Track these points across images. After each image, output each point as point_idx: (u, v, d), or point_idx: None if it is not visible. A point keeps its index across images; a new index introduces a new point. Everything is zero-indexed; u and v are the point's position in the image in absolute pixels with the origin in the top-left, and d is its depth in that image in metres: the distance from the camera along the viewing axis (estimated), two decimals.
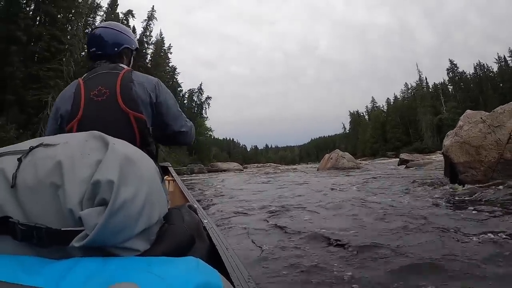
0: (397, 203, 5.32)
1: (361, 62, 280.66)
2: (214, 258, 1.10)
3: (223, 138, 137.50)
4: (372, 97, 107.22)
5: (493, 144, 5.94)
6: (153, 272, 0.47)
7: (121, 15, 40.99)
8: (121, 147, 0.65)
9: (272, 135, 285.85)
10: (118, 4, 41.12)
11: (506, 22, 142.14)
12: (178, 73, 54.20)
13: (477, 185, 5.76)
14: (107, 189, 0.55)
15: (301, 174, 18.11)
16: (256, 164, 52.86)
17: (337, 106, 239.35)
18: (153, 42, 48.80)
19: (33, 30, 24.19)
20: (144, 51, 44.59)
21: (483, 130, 6.14)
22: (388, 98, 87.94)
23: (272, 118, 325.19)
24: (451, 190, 6.07)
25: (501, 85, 63.91)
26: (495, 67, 67.84)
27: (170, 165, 3.47)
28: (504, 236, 3.00)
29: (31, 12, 25.47)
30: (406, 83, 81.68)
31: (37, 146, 0.63)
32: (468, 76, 71.25)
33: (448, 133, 7.03)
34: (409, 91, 79.30)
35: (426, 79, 74.87)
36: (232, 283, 0.91)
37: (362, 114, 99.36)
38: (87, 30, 31.92)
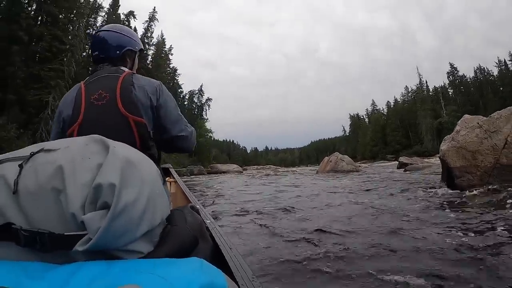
0: (389, 206, 5.39)
1: (362, 65, 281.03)
2: (217, 258, 1.09)
3: (223, 140, 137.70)
4: (373, 100, 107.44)
5: (490, 149, 5.98)
6: (157, 274, 0.47)
7: (122, 16, 41.10)
8: (122, 150, 0.65)
9: (272, 137, 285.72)
10: (119, 5, 41.21)
11: (507, 25, 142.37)
12: (178, 74, 54.28)
13: (473, 190, 5.79)
14: (109, 192, 0.55)
15: (300, 176, 18.15)
16: (256, 166, 52.77)
17: (337, 108, 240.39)
18: (154, 43, 48.88)
19: (35, 30, 24.17)
20: (145, 52, 44.62)
21: (479, 135, 6.18)
22: (388, 101, 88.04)
23: (272, 120, 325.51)
24: (446, 194, 6.09)
25: (501, 89, 63.81)
26: (495, 71, 67.93)
27: (171, 167, 3.46)
28: (496, 240, 3.05)
29: (32, 12, 25.42)
30: (406, 86, 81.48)
31: (37, 152, 0.64)
32: (468, 80, 71.23)
33: (445, 137, 7.08)
34: (410, 94, 79.32)
35: (426, 82, 75.00)
36: (236, 282, 0.91)
37: (362, 117, 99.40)
38: (88, 31, 32.07)
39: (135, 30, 36.99)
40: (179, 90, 52.56)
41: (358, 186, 9.42)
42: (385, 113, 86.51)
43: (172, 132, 1.42)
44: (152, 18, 47.48)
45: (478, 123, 6.38)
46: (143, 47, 1.71)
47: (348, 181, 11.62)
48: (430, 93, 73.82)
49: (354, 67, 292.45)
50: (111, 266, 0.50)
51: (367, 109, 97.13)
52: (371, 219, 4.42)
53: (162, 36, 51.16)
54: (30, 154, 0.63)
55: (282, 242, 3.53)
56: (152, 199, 0.63)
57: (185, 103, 55.29)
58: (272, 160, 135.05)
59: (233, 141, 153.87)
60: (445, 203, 5.28)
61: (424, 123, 64.83)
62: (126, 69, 1.45)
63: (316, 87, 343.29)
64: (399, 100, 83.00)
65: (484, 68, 69.70)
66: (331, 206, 5.76)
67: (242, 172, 34.03)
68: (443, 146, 6.65)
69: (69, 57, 25.24)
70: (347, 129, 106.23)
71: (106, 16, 37.72)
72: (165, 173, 3.10)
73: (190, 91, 57.82)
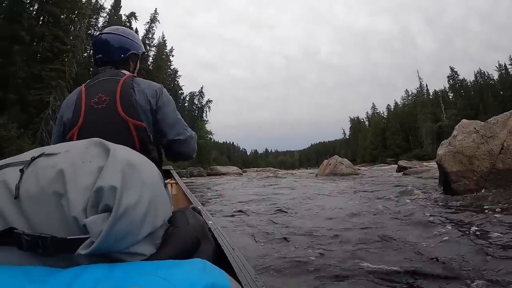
0: (383, 210, 5.43)
1: (362, 67, 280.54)
2: (220, 259, 1.08)
3: (223, 142, 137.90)
4: (373, 103, 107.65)
5: (486, 154, 6.01)
6: (160, 276, 0.47)
7: (124, 17, 41.22)
8: (122, 152, 0.66)
9: (272, 139, 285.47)
10: (121, 6, 41.37)
11: (507, 29, 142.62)
12: (179, 76, 54.46)
13: (469, 194, 5.83)
14: (110, 195, 0.56)
15: (299, 179, 18.15)
16: (255, 168, 52.87)
17: (338, 111, 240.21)
18: (155, 44, 48.95)
19: (36, 30, 24.27)
20: (146, 53, 44.69)
21: (476, 140, 6.21)
22: (388, 104, 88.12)
23: (272, 122, 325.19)
24: (441, 198, 6.12)
25: (501, 93, 63.87)
26: (495, 75, 67.98)
27: (172, 168, 3.43)
28: (487, 244, 3.07)
29: (34, 12, 25.52)
30: (406, 89, 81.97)
31: (38, 156, 0.64)
32: (469, 84, 71.32)
33: (443, 142, 7.10)
34: (410, 98, 79.41)
35: (426, 86, 75.00)
36: (239, 282, 0.90)
37: (362, 120, 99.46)
38: (90, 32, 32.14)
39: (136, 31, 37.12)
40: (179, 92, 52.68)
41: (355, 190, 9.45)
42: (385, 116, 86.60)
43: (169, 135, 1.39)
44: (153, 20, 47.60)
45: (474, 128, 6.41)
46: (144, 50, 1.70)
47: (346, 184, 11.66)
48: (430, 97, 73.87)
49: (354, 69, 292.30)
50: (114, 269, 0.51)
51: (367, 112, 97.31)
52: (365, 222, 4.46)
53: (163, 37, 51.32)
54: (31, 158, 0.63)
55: (282, 242, 3.59)
56: (154, 201, 0.63)
57: (186, 104, 55.35)
58: (272, 162, 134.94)
59: (233, 143, 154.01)
60: (439, 207, 5.32)
61: (424, 127, 64.84)
62: (127, 72, 1.44)
63: (317, 90, 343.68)
64: (399, 103, 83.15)
65: (484, 72, 69.87)
66: (328, 209, 5.82)
67: (242, 174, 34.05)
68: (440, 151, 6.68)
69: (70, 58, 25.30)
70: (347, 132, 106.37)
71: (107, 17, 37.86)
72: (166, 175, 3.10)
73: (191, 92, 57.93)
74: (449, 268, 2.60)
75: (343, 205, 6.23)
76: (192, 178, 26.18)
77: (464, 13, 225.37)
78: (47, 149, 0.68)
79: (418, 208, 5.31)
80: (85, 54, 30.36)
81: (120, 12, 41.33)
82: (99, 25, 35.79)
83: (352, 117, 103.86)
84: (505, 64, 65.56)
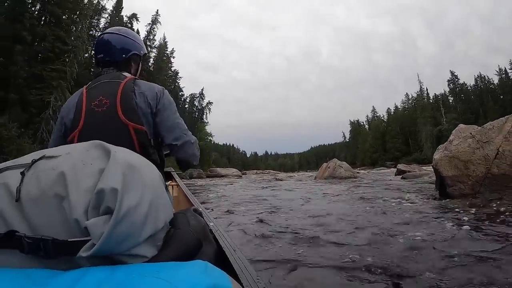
0: (376, 212, 5.54)
1: (363, 70, 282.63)
2: (222, 260, 1.08)
3: (223, 144, 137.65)
4: (373, 106, 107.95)
5: (481, 159, 6.06)
6: (162, 278, 0.48)
7: (125, 18, 41.22)
8: (123, 154, 0.66)
9: (272, 141, 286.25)
10: (122, 7, 41.39)
11: (508, 33, 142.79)
12: (180, 77, 54.48)
13: (464, 199, 5.88)
14: (111, 197, 0.56)
15: (298, 182, 18.22)
16: (255, 171, 53.05)
17: (338, 114, 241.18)
18: (156, 46, 49.00)
19: (38, 30, 24.21)
20: (147, 55, 44.49)
21: (472, 145, 6.26)
22: (388, 108, 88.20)
23: (272, 124, 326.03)
24: (436, 202, 6.18)
25: (501, 97, 63.74)
26: (495, 79, 68.02)
27: (173, 170, 3.42)
28: (479, 248, 3.11)
29: (36, 12, 25.52)
30: (407, 93, 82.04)
31: (39, 159, 0.64)
32: (469, 88, 71.28)
33: (439, 147, 7.15)
34: (410, 102, 79.45)
35: (427, 89, 75.11)
36: (241, 284, 0.90)
37: (362, 124, 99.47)
38: (91, 32, 32.19)
39: (137, 32, 37.15)
40: (180, 93, 52.68)
41: (351, 193, 9.54)
42: (385, 120, 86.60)
43: (166, 139, 1.37)
44: (154, 21, 47.62)
45: (470, 133, 6.46)
46: (147, 51, 1.69)
47: (343, 188, 11.72)
48: (431, 101, 73.93)
49: (355, 71, 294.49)
50: (115, 271, 0.51)
51: (367, 116, 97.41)
52: (358, 224, 4.54)
53: (164, 39, 51.33)
54: (32, 161, 0.63)
55: (281, 242, 3.66)
56: (155, 203, 0.63)
57: (186, 106, 55.34)
58: (272, 165, 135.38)
59: (233, 145, 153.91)
60: (431, 210, 5.37)
61: (424, 131, 64.78)
62: (128, 75, 1.43)
63: (317, 92, 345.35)
64: (399, 107, 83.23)
65: (484, 76, 69.88)
66: (324, 211, 5.89)
67: (241, 176, 34.11)
68: (436, 155, 6.72)
69: (71, 58, 25.29)
70: (347, 135, 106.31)
71: (109, 18, 37.88)
72: (167, 176, 3.09)
73: (191, 94, 57.90)
74: (435, 270, 2.63)
75: (338, 208, 6.33)
76: (192, 180, 26.18)
77: (465, 16, 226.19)
78: (47, 151, 0.68)
79: (410, 211, 5.38)
80: (86, 55, 30.35)
81: (122, 13, 41.37)
82: (100, 26, 35.81)
83: (352, 120, 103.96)
84: (505, 68, 65.66)
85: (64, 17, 26.42)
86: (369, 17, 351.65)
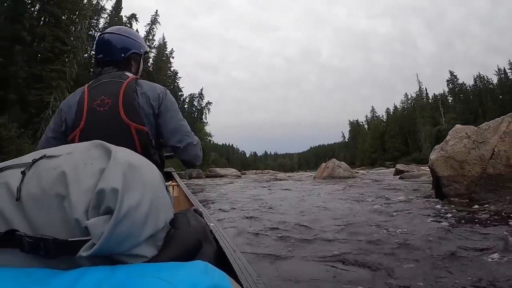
0: (370, 210, 5.67)
1: (362, 70, 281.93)
2: (222, 261, 1.08)
3: (223, 144, 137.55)
4: (372, 106, 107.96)
5: (477, 160, 6.11)
6: (162, 278, 0.48)
7: (124, 19, 41.19)
8: (124, 154, 0.66)
9: (272, 141, 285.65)
10: (122, 7, 41.35)
11: (507, 33, 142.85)
12: (179, 77, 54.46)
13: (459, 198, 5.95)
14: (111, 197, 0.56)
15: (297, 182, 18.28)
16: (254, 171, 52.98)
17: (337, 114, 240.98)
18: (156, 46, 48.96)
19: (37, 30, 24.20)
20: (148, 53, 44.42)
21: (467, 146, 6.31)
22: (388, 108, 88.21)
23: (272, 124, 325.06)
24: (431, 202, 6.26)
25: (500, 97, 63.66)
26: (495, 79, 67.96)
27: (174, 170, 3.40)
28: (471, 247, 3.14)
29: (35, 13, 25.50)
30: (406, 93, 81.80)
31: (40, 158, 0.64)
32: (468, 88, 71.19)
33: (435, 147, 7.22)
34: (409, 102, 79.40)
35: (426, 89, 75.12)
36: (241, 285, 0.89)
37: (361, 124, 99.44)
38: (90, 33, 32.16)
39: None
40: (179, 94, 52.65)
41: (349, 192, 9.69)
42: (384, 120, 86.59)
43: (170, 141, 1.38)
44: (154, 21, 47.61)
45: (466, 134, 6.51)
46: (148, 50, 1.68)
47: (341, 187, 11.86)
48: (430, 101, 73.89)
49: (354, 71, 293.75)
50: (115, 271, 0.51)
51: (366, 116, 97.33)
52: (351, 222, 4.65)
53: (164, 39, 51.30)
54: (33, 161, 0.63)
55: (279, 241, 3.74)
56: (155, 203, 0.63)
57: (185, 106, 55.33)
58: (271, 165, 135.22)
59: (232, 145, 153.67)
60: (427, 210, 5.44)
61: (423, 131, 64.69)
62: (130, 75, 1.42)
63: (317, 91, 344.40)
64: (398, 107, 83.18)
65: (483, 76, 69.80)
66: (320, 209, 6.08)
67: (241, 176, 34.03)
68: (432, 156, 6.79)
69: (71, 58, 25.28)
70: (347, 135, 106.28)
71: (108, 18, 37.83)
72: (168, 177, 3.10)
73: (190, 94, 57.86)
74: (423, 267, 2.70)
75: (333, 207, 6.47)
76: (191, 180, 26.19)
77: (464, 16, 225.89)
78: (48, 151, 0.68)
79: (405, 211, 5.47)
80: (86, 55, 30.39)
81: (121, 14, 41.35)
82: (100, 26, 35.78)
83: (351, 120, 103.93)
84: (504, 68, 65.60)
85: (63, 17, 26.41)
86: (368, 17, 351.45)
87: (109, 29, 1.57)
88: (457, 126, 7.29)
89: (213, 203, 8.10)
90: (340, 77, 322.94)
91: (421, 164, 36.30)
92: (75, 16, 27.82)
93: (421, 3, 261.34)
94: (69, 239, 0.53)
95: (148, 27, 47.52)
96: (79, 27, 27.82)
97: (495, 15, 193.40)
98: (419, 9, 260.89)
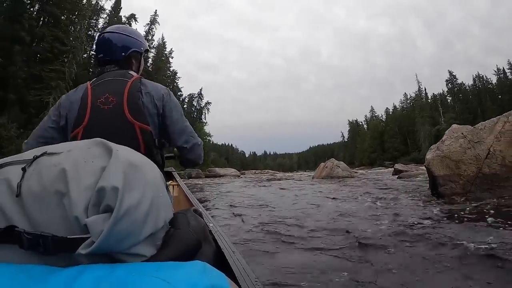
0: (365, 209, 5.75)
1: (362, 70, 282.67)
2: (220, 262, 1.07)
3: (222, 144, 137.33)
4: (371, 106, 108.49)
5: (473, 159, 6.17)
6: (160, 277, 0.48)
7: (124, 19, 41.10)
8: (125, 153, 0.65)
9: (271, 141, 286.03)
10: (121, 7, 41.28)
11: (506, 33, 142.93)
12: (178, 77, 54.36)
13: (455, 198, 6.00)
14: (112, 195, 0.55)
15: (296, 181, 18.30)
16: (254, 171, 53.02)
17: (337, 114, 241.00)
18: (155, 46, 48.93)
19: (37, 30, 24.26)
20: (148, 51, 44.33)
21: (463, 145, 6.36)
22: (387, 108, 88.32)
23: (271, 124, 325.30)
24: (427, 201, 6.30)
25: (499, 97, 63.72)
26: (494, 79, 68.00)
27: (174, 170, 3.39)
28: (465, 247, 3.16)
29: (35, 13, 25.52)
30: (405, 93, 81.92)
31: (41, 155, 0.64)
32: (467, 88, 71.20)
33: (431, 147, 7.27)
34: (408, 101, 79.47)
35: (425, 89, 75.24)
36: (239, 285, 0.89)
37: (361, 123, 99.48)
38: (90, 33, 32.14)
39: None
40: (178, 93, 52.57)
41: (346, 192, 9.70)
42: (383, 120, 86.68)
43: (176, 142, 1.40)
44: (153, 21, 47.54)
45: (462, 133, 6.56)
46: (148, 48, 1.67)
47: (339, 187, 11.93)
48: (429, 101, 73.92)
49: (354, 71, 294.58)
50: (114, 269, 0.51)
51: (366, 116, 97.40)
52: (349, 223, 4.66)
53: (163, 39, 51.23)
54: (33, 157, 0.63)
55: (281, 244, 3.72)
56: (155, 202, 0.63)
57: (185, 106, 55.27)
58: (270, 165, 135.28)
59: (231, 145, 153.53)
60: (422, 209, 5.48)
61: (422, 130, 64.74)
62: (134, 74, 1.43)
63: (316, 91, 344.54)
64: (398, 107, 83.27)
65: (482, 76, 69.89)
66: (321, 208, 6.11)
67: (240, 176, 34.10)
68: (429, 155, 6.83)
69: (70, 59, 25.33)
70: (346, 135, 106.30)
71: (107, 18, 37.78)
72: (168, 176, 3.10)
73: (190, 94, 57.68)
74: (420, 264, 2.74)
75: (331, 205, 6.58)
76: (190, 179, 26.20)
77: (463, 16, 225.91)
78: (49, 148, 0.67)
79: (400, 209, 5.53)
80: (85, 55, 30.40)
81: (120, 14, 41.29)
82: (99, 26, 35.72)
83: (351, 120, 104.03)
84: (503, 68, 65.74)
85: (62, 17, 26.42)
86: (368, 17, 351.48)
87: (109, 28, 1.57)
88: (454, 126, 7.32)
89: (212, 202, 8.15)
90: (340, 77, 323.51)
91: (420, 163, 36.19)
92: (74, 16, 27.83)
93: (420, 3, 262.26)
94: (68, 237, 0.53)
95: (147, 27, 47.44)
96: (78, 27, 27.83)
97: (494, 15, 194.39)
98: (419, 9, 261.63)
